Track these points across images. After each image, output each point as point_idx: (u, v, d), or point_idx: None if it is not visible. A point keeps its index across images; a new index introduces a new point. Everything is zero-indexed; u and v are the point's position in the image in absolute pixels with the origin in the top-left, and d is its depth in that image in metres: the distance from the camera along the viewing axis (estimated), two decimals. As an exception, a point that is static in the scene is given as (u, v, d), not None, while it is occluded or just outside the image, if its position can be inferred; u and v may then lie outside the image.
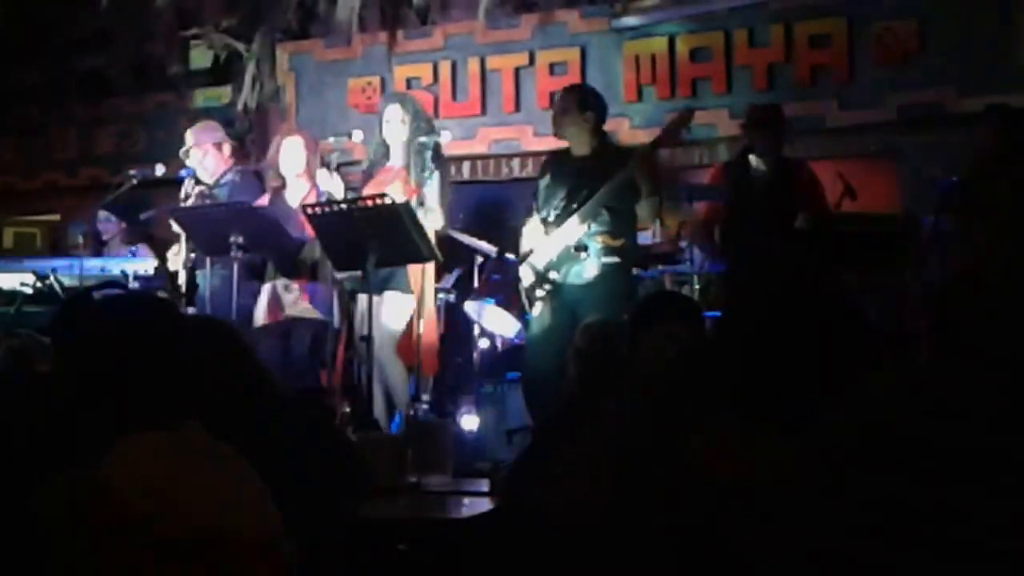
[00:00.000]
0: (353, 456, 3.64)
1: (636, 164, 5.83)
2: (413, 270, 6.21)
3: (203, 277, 6.39)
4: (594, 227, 5.87)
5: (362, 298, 6.15)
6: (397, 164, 6.41)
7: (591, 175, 5.91)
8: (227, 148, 6.93)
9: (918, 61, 7.80)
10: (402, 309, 6.22)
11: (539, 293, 5.96)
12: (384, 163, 6.47)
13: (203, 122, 7.24)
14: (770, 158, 6.64)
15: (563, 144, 6.17)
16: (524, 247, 6.08)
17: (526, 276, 6.02)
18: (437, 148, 6.34)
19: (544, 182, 6.16)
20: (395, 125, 6.42)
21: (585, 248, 5.85)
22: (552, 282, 5.91)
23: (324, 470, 3.04)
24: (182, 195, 6.65)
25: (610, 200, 5.84)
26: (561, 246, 5.89)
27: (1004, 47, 7.54)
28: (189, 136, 6.97)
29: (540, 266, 5.95)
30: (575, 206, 5.89)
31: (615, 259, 5.90)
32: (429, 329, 6.35)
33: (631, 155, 6.03)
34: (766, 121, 6.71)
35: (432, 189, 6.26)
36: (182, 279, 6.51)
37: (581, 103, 6.07)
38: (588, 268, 5.88)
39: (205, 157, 6.85)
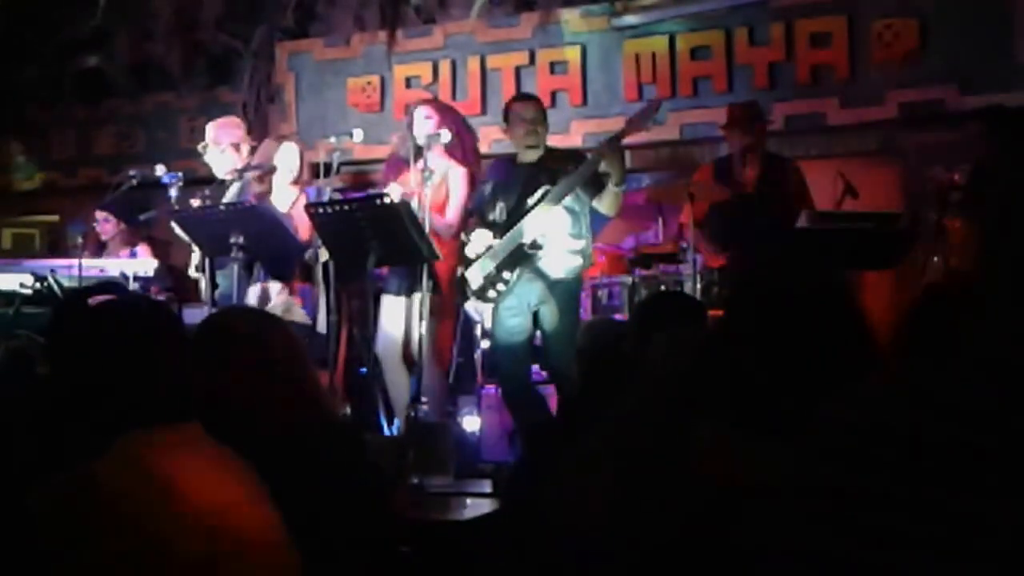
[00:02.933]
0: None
1: (604, 150, 5.87)
2: (439, 267, 6.24)
3: (223, 277, 6.39)
4: (555, 228, 5.89)
5: (388, 299, 6.19)
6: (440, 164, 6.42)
7: (544, 176, 5.97)
8: (245, 148, 6.92)
9: (919, 59, 7.80)
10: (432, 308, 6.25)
11: (491, 294, 5.98)
12: (409, 160, 6.49)
13: (226, 118, 7.23)
14: (752, 155, 6.66)
15: (553, 143, 6.27)
16: (472, 251, 6.08)
17: (475, 279, 6.03)
18: (440, 147, 6.32)
19: (488, 187, 6.20)
20: (421, 127, 6.40)
21: (539, 247, 5.88)
22: (507, 281, 5.93)
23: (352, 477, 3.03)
24: (172, 200, 6.63)
25: (565, 201, 5.85)
26: (512, 247, 5.90)
27: (1005, 45, 7.54)
28: (209, 130, 6.96)
29: (491, 267, 5.96)
30: (531, 203, 5.91)
31: (578, 260, 5.95)
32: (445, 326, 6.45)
33: (580, 153, 6.13)
34: (742, 118, 6.73)
35: (431, 188, 6.26)
36: (202, 282, 6.51)
37: (546, 117, 6.19)
38: (552, 267, 5.89)
39: (222, 155, 6.84)
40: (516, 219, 5.95)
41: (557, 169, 5.96)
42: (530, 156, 6.09)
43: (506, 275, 5.95)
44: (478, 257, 6.03)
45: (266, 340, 3.01)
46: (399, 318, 6.32)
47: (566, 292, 5.95)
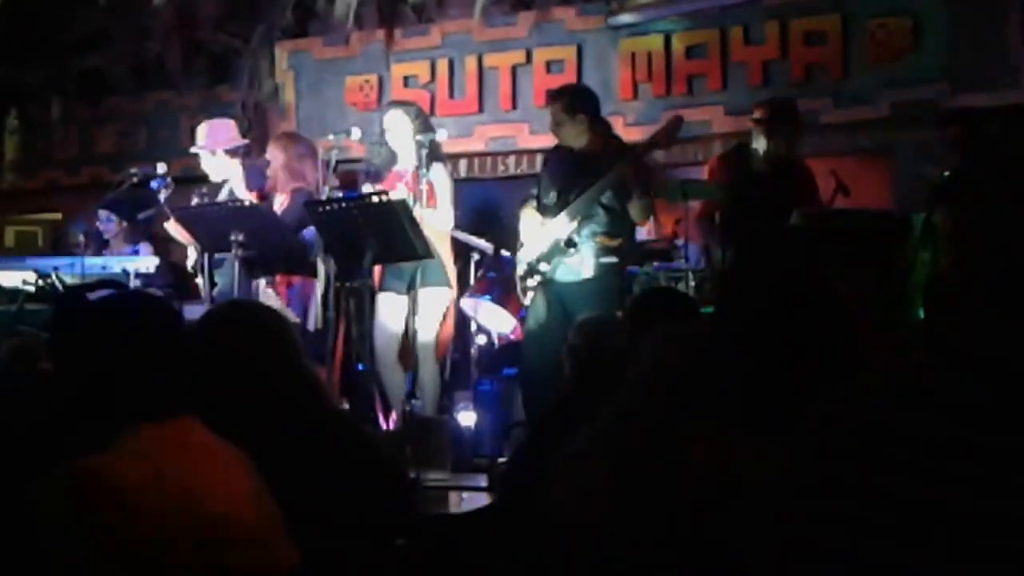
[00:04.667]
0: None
1: (623, 169, 5.90)
2: (447, 263, 6.32)
3: (220, 275, 6.45)
4: (591, 226, 5.94)
5: (388, 296, 6.25)
6: (408, 167, 6.47)
7: (586, 171, 6.00)
8: (231, 150, 6.98)
9: (912, 58, 7.83)
10: (440, 304, 6.31)
11: (530, 283, 6.04)
12: (392, 167, 6.54)
13: (216, 120, 7.28)
14: (783, 153, 6.64)
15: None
16: (523, 235, 6.16)
17: (520, 265, 6.10)
18: (433, 145, 6.38)
19: (546, 172, 6.29)
20: (399, 131, 6.47)
21: (574, 245, 5.92)
22: (542, 274, 5.99)
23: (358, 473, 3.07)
24: (163, 203, 6.70)
25: (603, 199, 5.91)
26: (551, 240, 5.96)
27: (997, 44, 7.57)
28: (200, 136, 7.01)
29: (532, 257, 6.02)
30: (568, 200, 5.97)
31: (612, 259, 5.98)
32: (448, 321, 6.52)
33: (624, 154, 6.12)
34: (787, 115, 6.71)
35: (435, 186, 6.31)
36: (199, 279, 6.57)
37: (570, 107, 6.16)
38: (584, 266, 5.94)
39: (213, 158, 6.91)
40: (562, 206, 6.00)
41: (598, 167, 5.98)
42: (578, 145, 6.14)
43: (543, 267, 5.99)
44: (526, 244, 6.12)
45: (267, 334, 3.05)
46: (399, 315, 6.39)
47: (597, 291, 5.94)
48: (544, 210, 6.12)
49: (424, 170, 6.22)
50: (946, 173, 6.04)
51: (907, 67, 7.84)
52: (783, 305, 2.31)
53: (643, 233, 7.77)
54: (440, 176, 6.36)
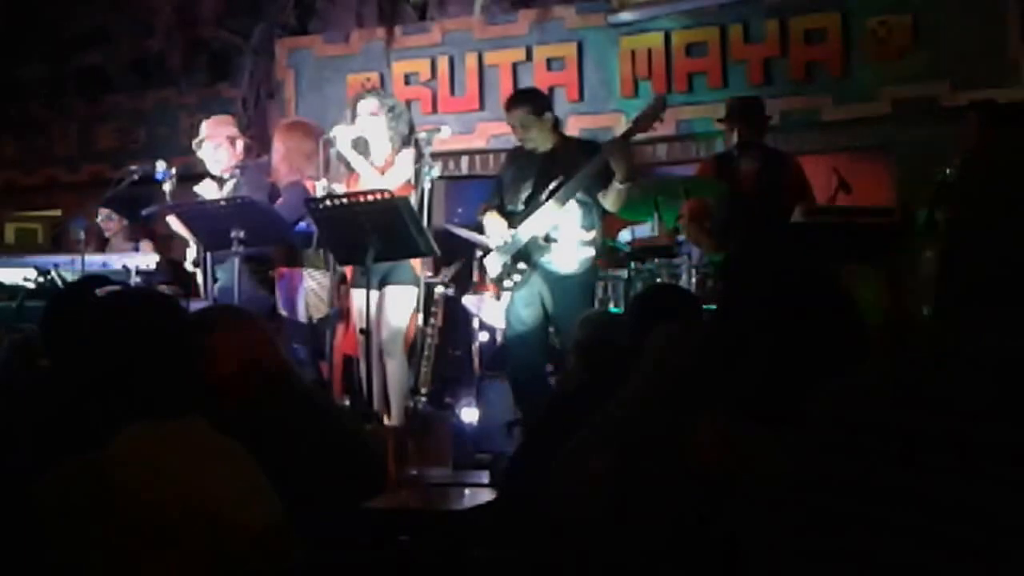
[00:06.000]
0: (367, 449, 3.67)
1: (612, 149, 5.88)
2: (416, 261, 6.29)
3: (222, 271, 6.46)
4: (568, 220, 5.94)
5: (360, 292, 6.21)
6: (382, 158, 6.44)
7: (557, 167, 6.00)
8: (240, 144, 6.98)
9: (912, 56, 7.85)
10: (408, 302, 6.29)
11: (507, 284, 6.04)
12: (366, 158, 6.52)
13: (220, 115, 7.29)
14: (753, 149, 6.71)
15: None
16: (489, 238, 6.15)
17: (493, 267, 6.09)
18: (412, 124, 6.42)
19: (508, 176, 6.24)
20: (372, 118, 6.44)
21: (553, 240, 5.93)
22: (522, 272, 5.99)
23: (338, 462, 3.07)
24: (168, 196, 6.70)
25: (582, 190, 5.91)
26: (529, 236, 5.96)
27: (996, 42, 7.59)
28: (204, 128, 7.02)
29: (508, 256, 6.02)
30: (543, 198, 5.96)
31: (591, 252, 5.99)
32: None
33: (595, 144, 6.13)
34: (742, 112, 6.79)
35: (403, 159, 6.30)
36: (199, 276, 6.57)
37: (538, 109, 6.12)
38: (566, 261, 5.95)
39: (217, 150, 6.90)
40: (532, 209, 5.99)
41: (571, 161, 5.97)
42: (544, 147, 6.12)
43: (520, 266, 6.00)
44: (496, 246, 6.09)
45: (244, 337, 3.05)
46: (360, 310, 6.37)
47: (578, 285, 5.98)
48: (511, 215, 6.09)
49: (427, 168, 6.21)
50: (948, 170, 6.06)
51: (907, 64, 7.86)
52: (786, 302, 2.31)
53: (646, 230, 7.78)
54: (405, 159, 6.33)
